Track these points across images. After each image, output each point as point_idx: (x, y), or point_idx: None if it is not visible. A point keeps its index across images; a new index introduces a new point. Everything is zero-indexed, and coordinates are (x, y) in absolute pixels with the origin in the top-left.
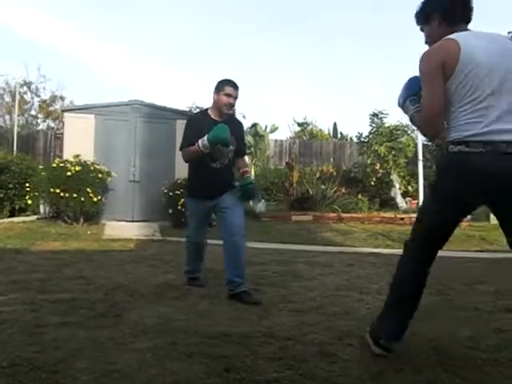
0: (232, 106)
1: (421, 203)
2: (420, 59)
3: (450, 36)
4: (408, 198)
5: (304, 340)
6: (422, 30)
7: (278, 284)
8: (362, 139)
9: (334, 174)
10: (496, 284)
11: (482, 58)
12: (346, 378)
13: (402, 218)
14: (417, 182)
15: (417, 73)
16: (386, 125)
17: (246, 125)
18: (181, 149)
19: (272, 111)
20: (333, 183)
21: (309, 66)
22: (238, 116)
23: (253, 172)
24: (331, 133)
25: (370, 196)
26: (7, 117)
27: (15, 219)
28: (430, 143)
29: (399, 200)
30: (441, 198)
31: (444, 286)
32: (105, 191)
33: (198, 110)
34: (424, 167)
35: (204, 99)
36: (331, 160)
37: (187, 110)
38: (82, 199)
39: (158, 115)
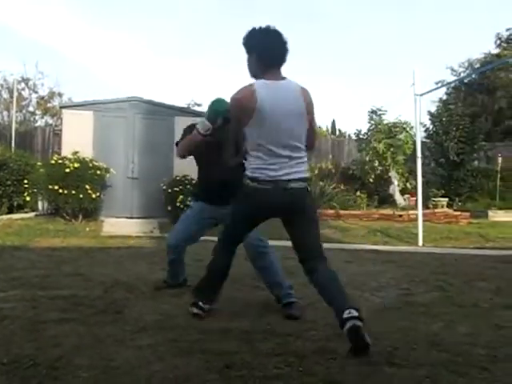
0: None
1: (419, 200)
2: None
3: (252, 84)
4: (406, 195)
5: (303, 336)
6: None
7: None
8: (361, 136)
9: (333, 170)
10: (495, 281)
11: (268, 108)
12: (345, 375)
13: (400, 215)
14: (415, 179)
15: None
16: (385, 122)
17: None
18: (176, 144)
19: None
20: (331, 180)
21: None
22: None
23: None
24: (330, 130)
25: (369, 193)
26: (5, 113)
27: (14, 216)
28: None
29: (398, 197)
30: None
31: (443, 282)
32: (103, 188)
33: (196, 107)
34: (423, 164)
35: (202, 96)
36: (330, 157)
37: (186, 106)
38: (81, 196)
39: (157, 112)
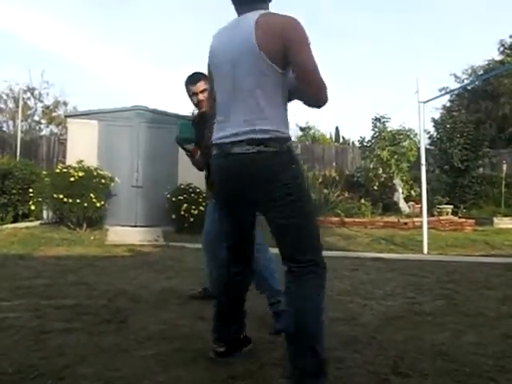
0: (203, 102)
1: (424, 208)
2: None
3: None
4: (411, 203)
5: None
6: None
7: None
8: (365, 143)
9: (337, 178)
10: (502, 289)
11: (215, 60)
12: None
13: (405, 223)
14: (420, 187)
15: None
16: (389, 129)
17: None
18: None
19: None
20: (335, 188)
21: None
22: None
23: None
24: (333, 137)
25: (373, 200)
26: (10, 122)
27: (18, 225)
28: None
29: (402, 204)
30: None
31: (449, 290)
32: (108, 196)
33: None
34: (427, 171)
35: None
36: (334, 164)
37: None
38: (85, 204)
39: (162, 120)
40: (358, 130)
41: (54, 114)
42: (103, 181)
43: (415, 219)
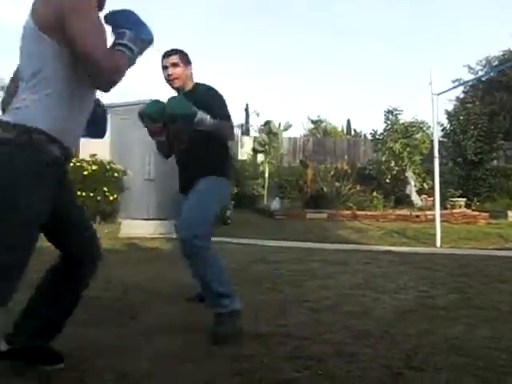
0: (172, 76)
1: (437, 201)
2: None
3: None
4: (424, 196)
5: (321, 339)
6: None
7: (293, 283)
8: (377, 136)
9: (349, 171)
10: None
11: None
12: (366, 379)
13: (417, 216)
14: (432, 179)
15: None
16: (401, 121)
17: (260, 122)
18: None
19: (285, 109)
20: (347, 181)
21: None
22: (252, 114)
23: (267, 170)
24: (345, 130)
25: (385, 193)
26: None
27: None
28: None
29: (414, 197)
30: None
31: (462, 284)
32: (121, 190)
33: None
34: (440, 164)
35: None
36: (345, 157)
37: None
38: (99, 198)
39: None
40: (370, 123)
41: None
42: (116, 174)
43: (428, 212)
